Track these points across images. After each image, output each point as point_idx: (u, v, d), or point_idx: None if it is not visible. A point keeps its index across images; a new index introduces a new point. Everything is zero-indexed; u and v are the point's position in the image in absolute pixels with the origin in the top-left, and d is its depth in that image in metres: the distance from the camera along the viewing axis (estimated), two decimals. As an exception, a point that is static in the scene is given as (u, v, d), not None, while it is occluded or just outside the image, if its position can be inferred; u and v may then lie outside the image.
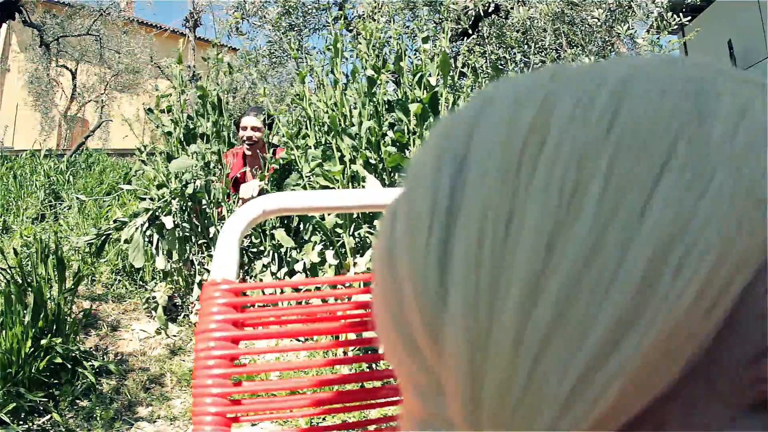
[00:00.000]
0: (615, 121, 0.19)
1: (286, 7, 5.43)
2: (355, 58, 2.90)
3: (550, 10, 4.57)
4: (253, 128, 3.11)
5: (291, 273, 2.65)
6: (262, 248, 2.83)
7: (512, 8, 4.74)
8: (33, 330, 2.10)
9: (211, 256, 2.81)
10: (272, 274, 2.73)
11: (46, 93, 11.12)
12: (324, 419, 1.66)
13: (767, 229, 0.18)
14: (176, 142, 2.98)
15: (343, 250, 2.51)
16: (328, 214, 2.46)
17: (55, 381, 2.16)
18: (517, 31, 4.88)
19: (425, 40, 2.81)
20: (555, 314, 0.17)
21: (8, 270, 2.31)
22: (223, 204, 2.89)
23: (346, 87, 2.78)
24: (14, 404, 1.93)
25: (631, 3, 4.55)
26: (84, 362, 2.24)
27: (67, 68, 10.75)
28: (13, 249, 2.81)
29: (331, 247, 2.54)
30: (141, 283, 3.20)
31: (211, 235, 2.91)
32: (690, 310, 0.17)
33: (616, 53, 5.05)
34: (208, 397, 0.61)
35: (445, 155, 0.22)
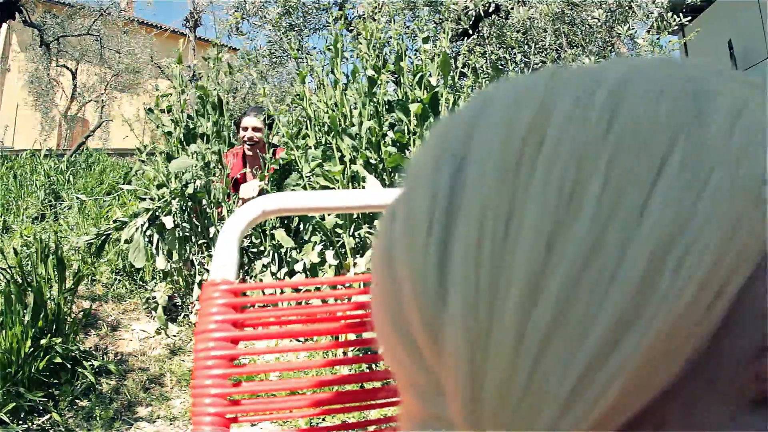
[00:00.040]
0: (614, 120, 0.19)
1: (287, 7, 5.43)
2: (355, 58, 2.90)
3: (550, 11, 4.57)
4: (254, 129, 3.11)
5: (291, 273, 2.65)
6: (262, 248, 2.83)
7: (512, 8, 4.74)
8: (33, 330, 2.10)
9: (211, 256, 2.81)
10: (272, 274, 2.73)
11: (46, 93, 11.12)
12: (323, 420, 1.66)
13: (766, 227, 0.18)
14: (176, 142, 2.98)
15: (343, 250, 2.51)
16: (328, 215, 2.46)
17: (55, 381, 2.16)
18: (518, 32, 4.88)
19: (426, 40, 2.81)
20: (555, 314, 0.17)
21: (8, 270, 2.31)
22: (223, 204, 2.89)
23: (346, 87, 2.78)
24: (14, 404, 1.94)
25: (632, 3, 4.55)
26: (84, 362, 2.24)
27: (67, 68, 10.75)
28: (13, 249, 2.81)
29: (331, 248, 2.54)
30: (141, 283, 3.20)
31: (211, 235, 2.91)
32: (689, 308, 0.17)
33: (616, 53, 5.05)
34: (207, 398, 0.61)
35: (444, 155, 0.22)
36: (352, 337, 1.60)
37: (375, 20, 2.96)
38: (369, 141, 2.59)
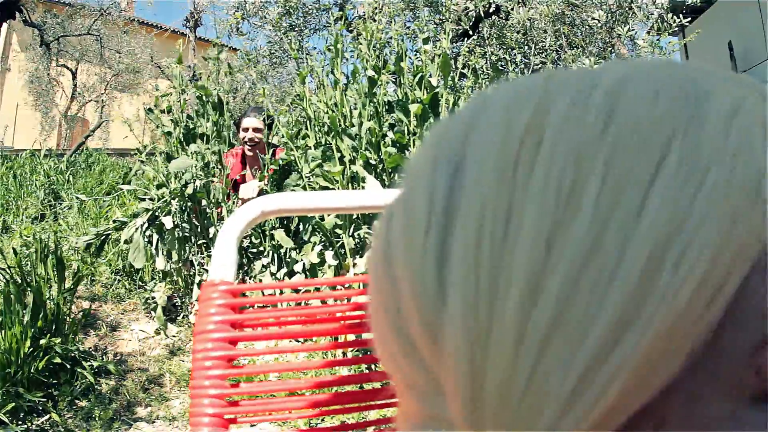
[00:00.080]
0: (610, 121, 0.19)
1: (287, 8, 5.43)
2: (355, 58, 2.89)
3: (550, 11, 4.58)
4: (255, 129, 3.11)
5: (290, 274, 2.65)
6: (261, 249, 2.83)
7: (513, 9, 4.74)
8: (32, 330, 2.10)
9: (210, 256, 2.81)
10: (272, 274, 2.73)
11: (46, 93, 11.12)
12: (323, 420, 1.66)
13: (765, 225, 0.18)
14: (176, 142, 2.97)
15: (343, 251, 2.51)
16: (328, 215, 2.46)
17: (54, 381, 2.16)
18: (518, 32, 4.88)
19: (426, 41, 2.81)
20: (555, 314, 0.17)
21: (8, 270, 2.31)
22: (222, 204, 2.89)
23: (346, 87, 2.78)
24: (13, 404, 1.93)
25: (632, 4, 4.55)
26: (83, 362, 2.24)
27: (67, 68, 10.75)
28: (13, 249, 2.81)
29: (330, 248, 2.54)
30: (140, 283, 3.20)
31: (210, 236, 2.90)
32: (689, 306, 0.17)
33: (616, 54, 5.05)
34: (205, 398, 0.61)
35: (441, 157, 0.22)
36: (351, 337, 1.60)
37: (375, 21, 2.96)
38: (369, 141, 2.59)
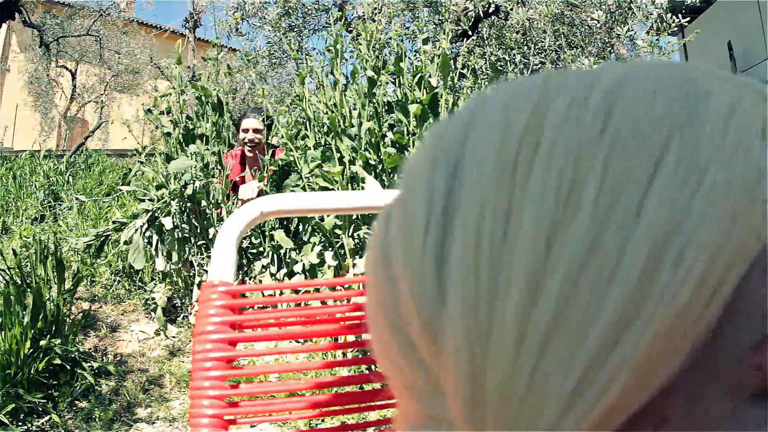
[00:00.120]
0: (609, 121, 0.19)
1: (286, 8, 5.43)
2: (355, 59, 2.89)
3: (549, 12, 4.58)
4: (255, 130, 3.11)
5: (290, 274, 2.65)
6: (261, 249, 2.83)
7: (512, 9, 4.74)
8: (32, 331, 2.10)
9: (210, 257, 2.81)
10: (271, 275, 2.73)
11: (45, 93, 11.13)
12: (323, 421, 1.66)
13: (764, 224, 0.18)
14: (175, 142, 2.97)
15: (343, 251, 2.51)
16: (327, 216, 2.46)
17: (54, 382, 2.16)
18: (517, 33, 4.88)
19: (425, 41, 2.81)
20: (555, 314, 0.17)
21: (7, 271, 2.31)
22: (222, 205, 2.88)
23: (345, 88, 2.78)
24: (13, 405, 1.93)
25: (631, 4, 4.55)
26: (83, 363, 2.24)
27: (66, 69, 10.75)
28: (13, 250, 2.81)
29: (330, 249, 2.54)
30: (140, 284, 3.20)
31: (210, 236, 2.90)
32: (688, 305, 0.17)
33: (615, 54, 5.05)
34: (205, 399, 0.61)
35: (440, 157, 0.22)
36: (351, 338, 1.60)
37: (375, 21, 2.96)
38: (368, 142, 2.59)
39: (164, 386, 2.37)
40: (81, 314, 2.60)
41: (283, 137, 2.79)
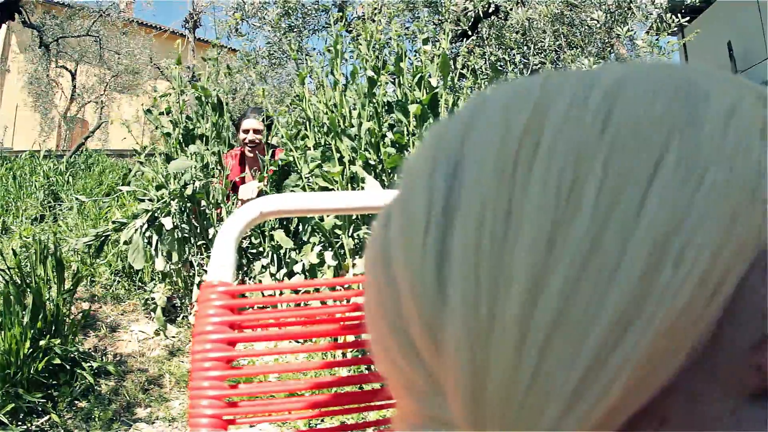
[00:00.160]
0: (609, 121, 0.19)
1: (286, 9, 5.43)
2: (355, 59, 2.89)
3: (549, 12, 4.58)
4: (255, 131, 3.11)
5: (290, 274, 2.65)
6: (261, 249, 2.83)
7: (512, 9, 4.74)
8: (32, 331, 2.10)
9: (210, 257, 2.80)
10: (271, 275, 2.73)
11: (45, 94, 11.12)
12: (322, 421, 1.66)
13: (764, 224, 0.18)
14: (175, 143, 2.97)
15: (342, 251, 2.51)
16: (327, 216, 2.46)
17: (54, 382, 2.16)
18: (517, 33, 4.88)
19: (425, 41, 2.81)
20: (556, 313, 0.18)
21: (7, 271, 2.31)
22: (222, 205, 2.88)
23: (345, 88, 2.78)
24: (13, 405, 1.93)
25: (631, 4, 4.55)
26: (83, 363, 2.24)
27: (66, 69, 10.75)
28: (12, 250, 2.81)
29: (330, 249, 2.54)
30: (140, 284, 3.20)
31: (210, 237, 2.90)
32: (689, 305, 0.17)
33: (615, 54, 5.05)
34: (204, 399, 0.60)
35: (440, 157, 0.22)
36: (351, 338, 1.60)
37: (374, 21, 2.96)
38: (368, 142, 2.59)
39: (164, 386, 2.37)
40: (81, 314, 2.60)
41: (283, 137, 2.79)
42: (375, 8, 3.19)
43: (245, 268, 2.86)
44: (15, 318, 2.05)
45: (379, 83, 2.69)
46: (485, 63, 4.05)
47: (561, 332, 0.17)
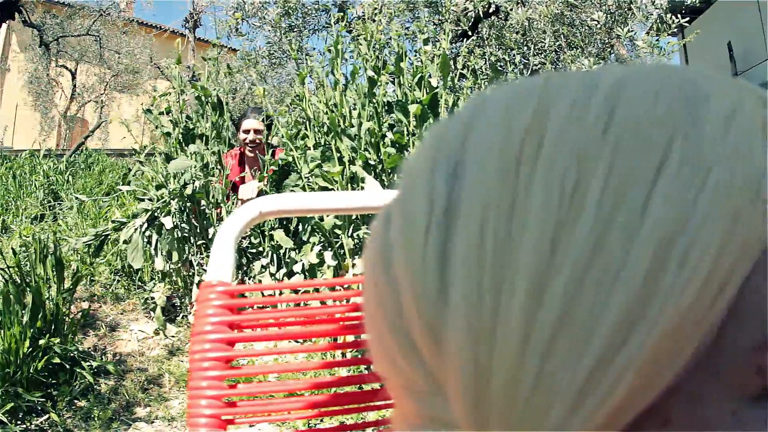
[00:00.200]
0: (611, 121, 0.19)
1: (286, 8, 5.43)
2: (355, 59, 2.89)
3: (549, 12, 4.57)
4: (256, 131, 3.11)
5: (290, 274, 2.65)
6: (261, 249, 2.83)
7: (512, 10, 4.74)
8: (31, 330, 2.10)
9: (209, 256, 2.80)
10: (271, 275, 2.72)
11: (45, 93, 11.12)
12: (322, 421, 1.65)
13: (765, 223, 0.18)
14: (175, 142, 2.97)
15: (342, 251, 2.51)
16: (327, 216, 2.46)
17: (53, 381, 2.16)
18: (517, 33, 4.88)
19: (426, 41, 2.81)
20: (560, 314, 0.18)
21: (7, 270, 2.31)
22: (222, 205, 2.88)
23: (345, 88, 2.78)
24: (12, 404, 1.93)
25: (631, 5, 4.55)
26: (82, 362, 2.24)
27: (66, 68, 10.74)
28: (12, 249, 2.81)
29: (329, 249, 2.54)
30: (140, 283, 3.20)
31: (210, 236, 2.90)
32: (693, 305, 0.17)
33: (615, 55, 5.05)
34: (203, 399, 0.60)
35: (440, 157, 0.22)
36: (350, 338, 1.60)
37: (375, 21, 2.96)
38: (368, 142, 2.59)
39: (163, 386, 2.37)
40: (80, 313, 2.60)
41: (283, 137, 2.79)
42: (375, 8, 3.19)
43: (245, 268, 2.86)
44: (14, 317, 2.05)
45: (379, 83, 2.69)
46: (485, 63, 4.05)
47: (566, 332, 0.17)
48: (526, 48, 4.84)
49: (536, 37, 4.77)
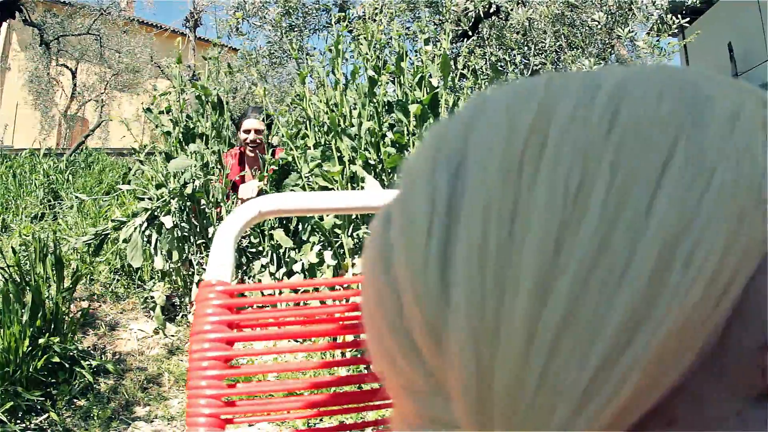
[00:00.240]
0: (615, 121, 0.19)
1: (287, 8, 5.43)
2: (356, 59, 2.89)
3: (550, 12, 4.57)
4: (257, 131, 3.11)
5: (289, 273, 2.65)
6: (260, 248, 2.83)
7: (512, 10, 4.74)
8: (31, 329, 2.10)
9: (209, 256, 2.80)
10: (271, 274, 2.72)
11: (46, 92, 11.11)
12: (321, 420, 1.65)
13: (767, 223, 0.18)
14: (175, 142, 2.97)
15: (342, 251, 2.51)
16: (327, 215, 2.46)
17: (53, 380, 2.16)
18: (517, 33, 4.88)
19: (426, 41, 2.81)
20: (565, 314, 0.18)
21: (6, 269, 2.31)
22: (222, 204, 2.88)
23: (346, 87, 2.78)
24: (12, 403, 1.93)
25: (631, 5, 4.55)
26: (82, 361, 2.24)
27: (67, 67, 10.74)
28: (12, 248, 2.81)
29: (329, 248, 2.54)
30: (139, 282, 3.20)
31: (209, 235, 2.90)
32: (698, 305, 0.17)
33: (616, 55, 5.05)
34: (202, 399, 0.60)
35: (441, 157, 0.22)
36: (350, 338, 1.60)
37: (375, 21, 2.96)
38: (368, 141, 2.59)
39: (163, 385, 2.37)
40: (80, 312, 2.60)
41: (283, 136, 2.79)
42: (376, 8, 3.19)
43: (244, 268, 2.86)
44: (14, 316, 2.05)
45: (379, 83, 2.69)
46: (486, 63, 4.05)
47: (570, 332, 0.17)
48: (526, 48, 4.84)
49: (537, 37, 4.77)
